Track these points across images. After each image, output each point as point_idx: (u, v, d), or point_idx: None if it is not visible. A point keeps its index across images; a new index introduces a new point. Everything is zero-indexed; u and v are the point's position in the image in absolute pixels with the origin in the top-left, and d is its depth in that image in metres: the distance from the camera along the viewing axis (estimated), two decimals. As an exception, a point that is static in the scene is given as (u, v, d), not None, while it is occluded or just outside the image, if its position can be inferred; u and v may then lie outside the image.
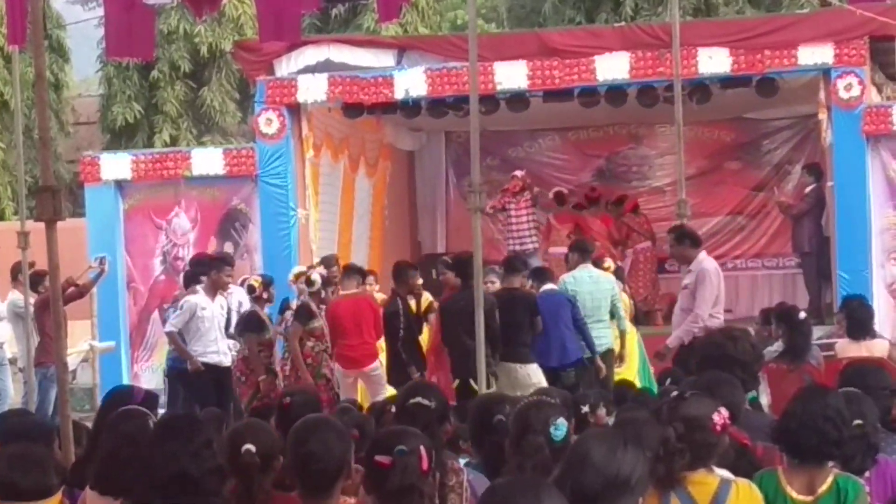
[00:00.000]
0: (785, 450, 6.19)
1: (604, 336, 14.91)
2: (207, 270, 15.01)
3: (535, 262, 17.87)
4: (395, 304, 14.72)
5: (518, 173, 20.31)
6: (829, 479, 6.00)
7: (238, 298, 15.87)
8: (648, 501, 5.20)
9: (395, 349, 14.51)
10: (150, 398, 7.95)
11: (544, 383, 13.57)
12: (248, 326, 14.89)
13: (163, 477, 4.92)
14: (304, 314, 14.87)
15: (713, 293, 13.06)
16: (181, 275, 16.09)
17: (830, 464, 6.07)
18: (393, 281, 14.96)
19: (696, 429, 5.60)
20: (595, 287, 15.10)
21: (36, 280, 14.55)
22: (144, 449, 5.15)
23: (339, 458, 5.27)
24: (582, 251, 15.57)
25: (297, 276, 15.68)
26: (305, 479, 5.35)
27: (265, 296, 15.26)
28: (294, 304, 15.64)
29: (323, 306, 15.07)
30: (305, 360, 14.64)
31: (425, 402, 6.03)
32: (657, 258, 21.04)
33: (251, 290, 15.11)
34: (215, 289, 14.94)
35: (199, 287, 14.86)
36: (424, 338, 15.07)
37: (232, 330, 15.30)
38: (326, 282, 15.28)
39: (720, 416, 5.65)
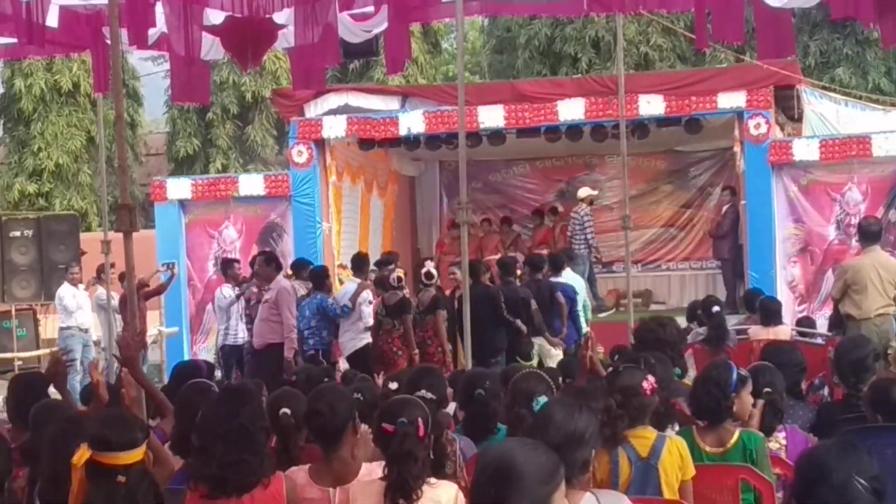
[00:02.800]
0: (697, 415, 6.23)
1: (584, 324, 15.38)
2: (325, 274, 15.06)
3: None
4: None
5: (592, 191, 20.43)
6: (736, 435, 6.04)
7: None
8: (601, 457, 5.23)
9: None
10: (209, 368, 8.07)
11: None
12: (406, 309, 14.09)
13: (225, 428, 5.01)
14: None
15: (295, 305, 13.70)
16: (307, 277, 15.42)
17: (734, 425, 6.10)
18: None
19: (631, 396, 5.66)
20: (581, 285, 15.70)
21: (124, 278, 14.58)
22: (211, 406, 5.24)
23: (343, 415, 5.28)
24: (571, 258, 16.04)
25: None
26: (316, 433, 5.39)
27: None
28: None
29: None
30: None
31: (428, 395, 5.97)
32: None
33: (399, 280, 14.49)
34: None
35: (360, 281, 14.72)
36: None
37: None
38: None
39: (649, 382, 5.73)
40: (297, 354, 13.56)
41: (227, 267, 16.03)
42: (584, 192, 20.17)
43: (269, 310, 13.47)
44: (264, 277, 13.83)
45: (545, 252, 18.56)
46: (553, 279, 15.11)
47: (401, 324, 14.02)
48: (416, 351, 13.84)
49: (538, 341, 14.25)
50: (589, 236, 19.52)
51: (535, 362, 13.83)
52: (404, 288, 14.46)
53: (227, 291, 15.44)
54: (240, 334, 15.25)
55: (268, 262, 13.87)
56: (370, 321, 14.31)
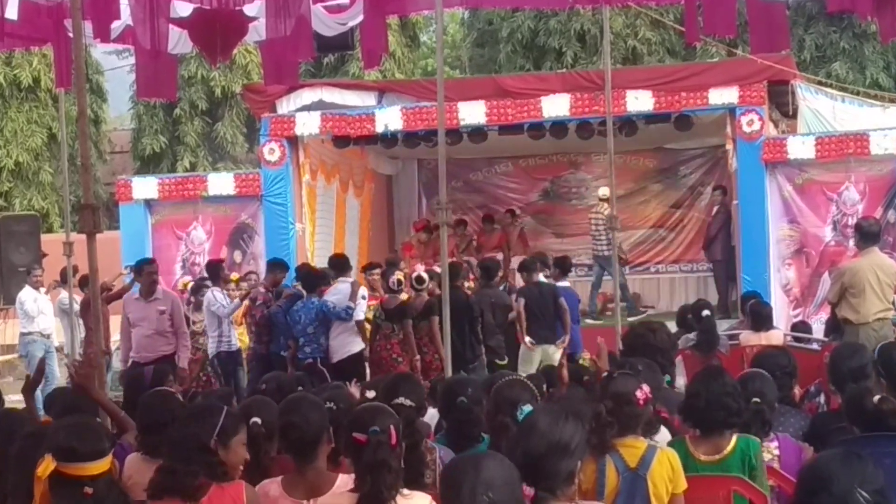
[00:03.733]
0: (693, 424, 6.21)
1: None
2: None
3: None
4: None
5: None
6: (733, 441, 6.05)
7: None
8: (587, 465, 5.22)
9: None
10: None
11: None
12: (407, 314, 13.99)
13: (189, 446, 5.02)
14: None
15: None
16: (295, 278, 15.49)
17: (728, 431, 6.11)
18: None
19: (623, 403, 5.64)
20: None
21: (85, 282, 14.52)
22: (175, 426, 5.27)
23: (318, 426, 5.28)
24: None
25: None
26: (290, 445, 5.37)
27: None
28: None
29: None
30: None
31: (407, 402, 5.96)
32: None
33: (399, 283, 14.36)
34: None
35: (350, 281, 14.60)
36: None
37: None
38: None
39: (642, 391, 5.70)
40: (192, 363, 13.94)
41: (217, 270, 15.71)
42: (604, 191, 19.67)
43: (168, 321, 13.54)
44: (151, 287, 13.78)
45: (499, 256, 18.88)
46: (559, 283, 15.19)
47: (400, 329, 13.97)
48: (418, 357, 13.81)
49: (542, 347, 14.27)
50: (611, 237, 19.49)
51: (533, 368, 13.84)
52: (403, 291, 14.42)
53: (219, 296, 15.15)
54: (233, 340, 15.11)
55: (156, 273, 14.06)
56: (361, 316, 14.23)
